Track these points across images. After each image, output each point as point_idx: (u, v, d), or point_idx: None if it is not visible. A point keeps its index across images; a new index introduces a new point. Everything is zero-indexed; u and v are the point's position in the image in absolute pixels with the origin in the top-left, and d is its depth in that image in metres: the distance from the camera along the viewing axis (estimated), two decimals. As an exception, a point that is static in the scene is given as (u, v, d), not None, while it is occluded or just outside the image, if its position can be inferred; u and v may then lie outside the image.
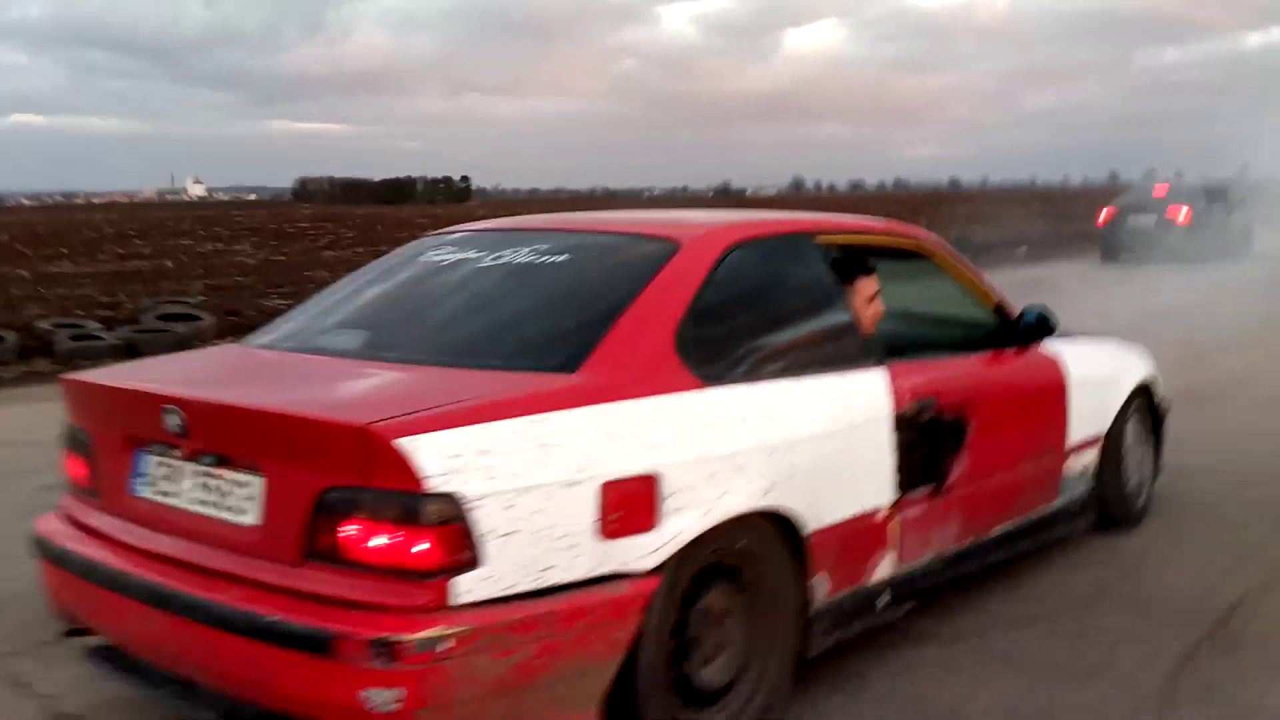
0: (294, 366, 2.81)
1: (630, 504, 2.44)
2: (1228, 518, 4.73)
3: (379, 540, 2.22)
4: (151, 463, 2.62)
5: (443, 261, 3.16)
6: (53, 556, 2.76)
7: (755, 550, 2.80)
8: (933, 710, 3.07)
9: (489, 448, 2.26)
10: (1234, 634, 3.56)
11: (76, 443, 2.84)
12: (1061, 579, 4.09)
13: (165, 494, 2.57)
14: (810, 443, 2.89)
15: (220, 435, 2.44)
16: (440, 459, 2.19)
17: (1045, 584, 4.03)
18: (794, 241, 3.24)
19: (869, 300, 3.50)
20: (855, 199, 74.48)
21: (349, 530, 2.24)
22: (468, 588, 2.22)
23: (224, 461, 2.45)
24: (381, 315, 3.03)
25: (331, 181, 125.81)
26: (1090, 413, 4.24)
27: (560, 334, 2.68)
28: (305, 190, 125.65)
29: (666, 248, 2.91)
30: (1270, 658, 3.38)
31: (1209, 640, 3.52)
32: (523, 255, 3.00)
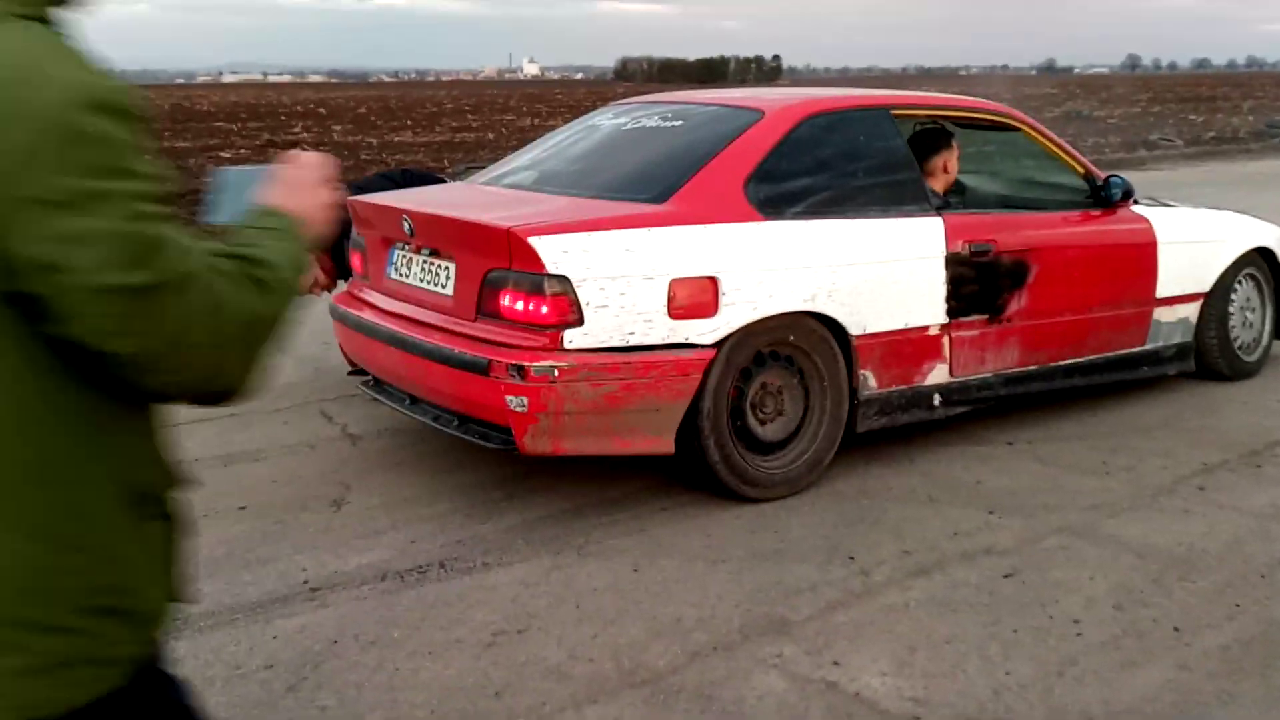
0: (486, 194, 4.09)
1: (694, 296, 3.51)
2: (1338, 379, 5.12)
3: (519, 304, 3.43)
4: (397, 255, 3.97)
5: (598, 124, 4.33)
6: (339, 317, 4.22)
7: (804, 345, 3.79)
8: (956, 485, 3.95)
9: (590, 248, 3.40)
10: (1258, 460, 4.15)
11: (357, 244, 4.26)
12: (1139, 410, 4.74)
13: (404, 276, 3.92)
14: (853, 267, 3.81)
15: (432, 235, 3.74)
16: (556, 252, 3.35)
17: (1119, 413, 4.71)
18: (868, 114, 4.09)
19: (945, 166, 4.30)
20: (1196, 78, 67.79)
21: (502, 298, 3.47)
22: (572, 338, 3.39)
23: (435, 253, 3.74)
24: (549, 162, 4.23)
25: (649, 62, 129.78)
26: (1185, 271, 4.78)
27: (659, 176, 3.75)
28: (625, 70, 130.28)
29: (753, 115, 3.89)
30: (1275, 477, 3.98)
31: (1232, 461, 4.14)
32: (651, 120, 4.09)
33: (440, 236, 3.71)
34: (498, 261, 3.45)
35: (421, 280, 3.81)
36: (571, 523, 3.62)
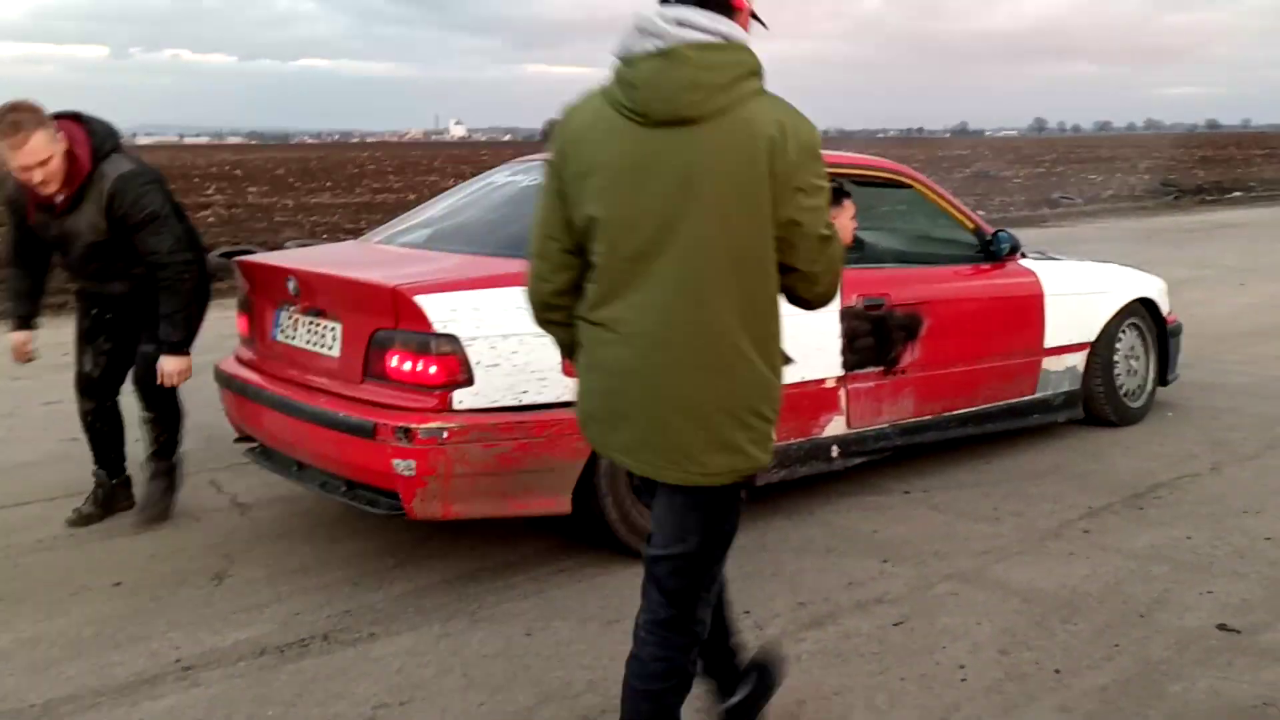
0: (377, 253, 4.06)
1: (585, 353, 3.50)
2: (1220, 422, 5.28)
3: (406, 365, 3.39)
4: (283, 316, 3.90)
5: (493, 182, 4.33)
6: (224, 382, 4.12)
7: (699, 398, 3.79)
8: (853, 535, 3.97)
9: (479, 306, 3.37)
10: (1140, 503, 4.24)
11: (243, 305, 4.17)
12: (1030, 457, 4.84)
13: (290, 338, 3.84)
14: (746, 321, 3.84)
15: (318, 295, 3.68)
16: (443, 311, 3.32)
17: (1010, 460, 4.80)
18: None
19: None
20: (1097, 140, 70.90)
21: (389, 359, 3.42)
22: (462, 399, 3.35)
23: (321, 314, 3.68)
24: (445, 220, 4.22)
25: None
26: (1071, 321, 4.92)
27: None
28: (552, 132, 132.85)
29: (643, 173, 3.91)
30: (1156, 518, 4.07)
31: (1116, 504, 4.23)
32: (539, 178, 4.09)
33: (326, 296, 3.65)
34: (384, 321, 3.41)
35: (308, 342, 3.74)
36: (465, 588, 3.54)
